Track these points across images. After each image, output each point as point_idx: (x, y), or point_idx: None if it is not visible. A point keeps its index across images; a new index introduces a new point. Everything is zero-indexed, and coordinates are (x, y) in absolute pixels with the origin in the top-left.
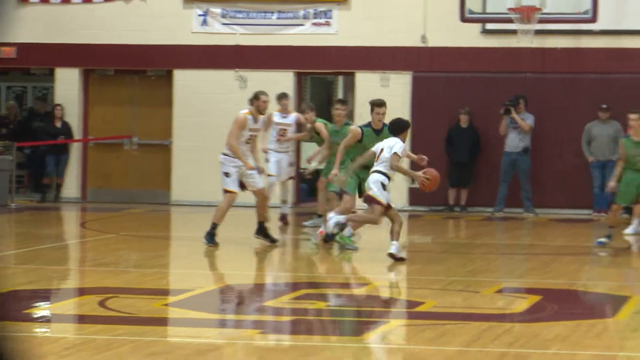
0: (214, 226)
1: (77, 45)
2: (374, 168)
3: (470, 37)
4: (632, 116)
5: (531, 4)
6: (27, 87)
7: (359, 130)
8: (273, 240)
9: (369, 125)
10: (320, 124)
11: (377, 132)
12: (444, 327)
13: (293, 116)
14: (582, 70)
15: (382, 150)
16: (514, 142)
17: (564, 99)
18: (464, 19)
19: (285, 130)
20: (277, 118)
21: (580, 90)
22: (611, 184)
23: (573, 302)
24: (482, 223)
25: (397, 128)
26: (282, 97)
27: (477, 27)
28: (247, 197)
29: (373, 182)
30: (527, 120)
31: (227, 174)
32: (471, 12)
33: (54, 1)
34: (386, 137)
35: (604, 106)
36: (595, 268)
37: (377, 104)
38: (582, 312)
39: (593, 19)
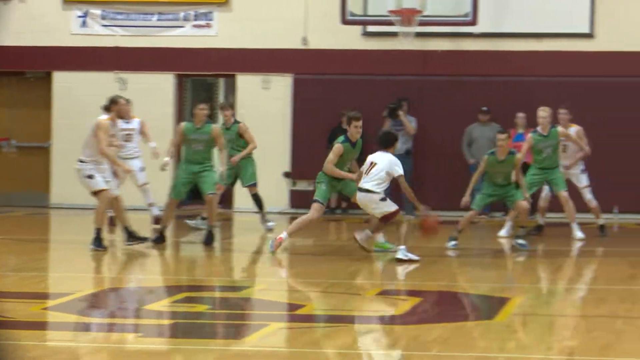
0: (98, 231)
1: None
2: (366, 185)
3: (351, 39)
4: (500, 136)
5: (412, 7)
6: None
7: (341, 146)
8: (143, 239)
9: (346, 139)
10: (244, 125)
11: (353, 144)
12: (324, 330)
13: (136, 121)
14: (463, 73)
15: (372, 164)
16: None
17: (445, 102)
18: (344, 21)
19: (130, 135)
20: (120, 123)
21: (461, 92)
22: (464, 199)
23: (454, 304)
24: (363, 225)
25: (387, 141)
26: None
27: (358, 29)
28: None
29: (382, 204)
30: (410, 123)
31: (90, 177)
32: (352, 15)
33: None
34: (359, 149)
35: (484, 109)
36: (475, 270)
37: (355, 118)
38: (462, 314)
39: (473, 22)
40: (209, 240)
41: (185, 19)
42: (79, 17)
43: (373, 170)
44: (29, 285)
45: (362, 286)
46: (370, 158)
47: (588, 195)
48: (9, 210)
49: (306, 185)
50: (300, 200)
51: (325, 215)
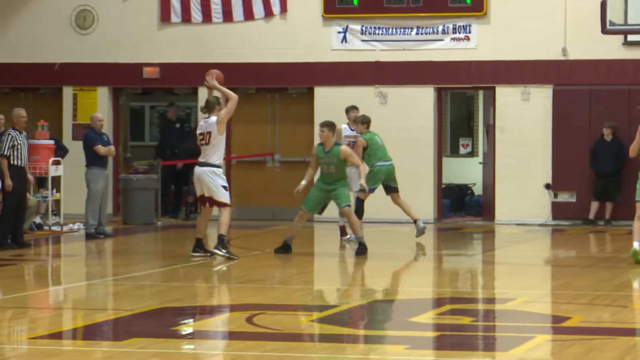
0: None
1: (219, 65)
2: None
3: (611, 49)
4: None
5: None
6: None
7: None
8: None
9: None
10: None
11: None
12: (592, 342)
13: None
14: None
15: None
16: None
17: None
18: (604, 31)
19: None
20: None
21: None
22: None
23: None
24: (629, 237)
25: None
26: None
27: (619, 38)
28: None
29: None
30: None
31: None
32: (612, 24)
33: (196, 21)
34: None
35: None
36: None
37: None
38: None
39: None
40: (361, 251)
41: (444, 32)
42: (339, 32)
43: None
44: (297, 298)
45: (629, 298)
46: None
47: None
48: (274, 224)
49: (567, 197)
50: (561, 211)
51: (588, 226)
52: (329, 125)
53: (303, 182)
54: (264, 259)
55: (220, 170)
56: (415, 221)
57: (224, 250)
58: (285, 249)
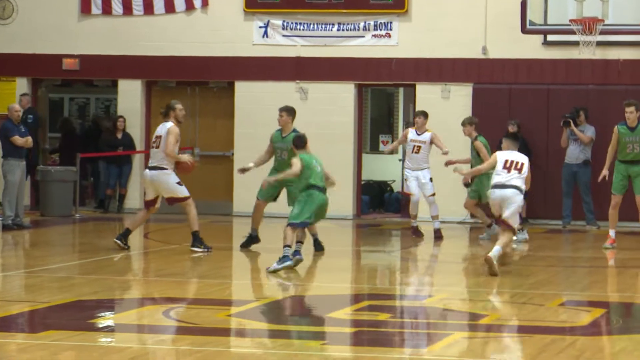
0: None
1: (139, 57)
2: (514, 182)
3: (531, 48)
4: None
5: (593, 16)
6: (90, 98)
7: None
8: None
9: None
10: None
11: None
12: (508, 340)
13: (427, 134)
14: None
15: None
16: (574, 153)
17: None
18: (524, 31)
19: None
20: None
21: None
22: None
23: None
24: (546, 236)
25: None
26: None
27: (539, 38)
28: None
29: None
30: (587, 132)
31: (180, 183)
32: (532, 24)
33: (116, 13)
34: None
35: None
36: None
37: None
38: None
39: None
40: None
41: (365, 29)
42: (260, 27)
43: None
44: (214, 293)
45: (545, 296)
46: (508, 156)
47: None
48: None
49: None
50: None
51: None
52: (288, 110)
53: (251, 164)
54: (182, 252)
55: (168, 171)
56: (489, 225)
57: (201, 247)
58: (253, 241)
